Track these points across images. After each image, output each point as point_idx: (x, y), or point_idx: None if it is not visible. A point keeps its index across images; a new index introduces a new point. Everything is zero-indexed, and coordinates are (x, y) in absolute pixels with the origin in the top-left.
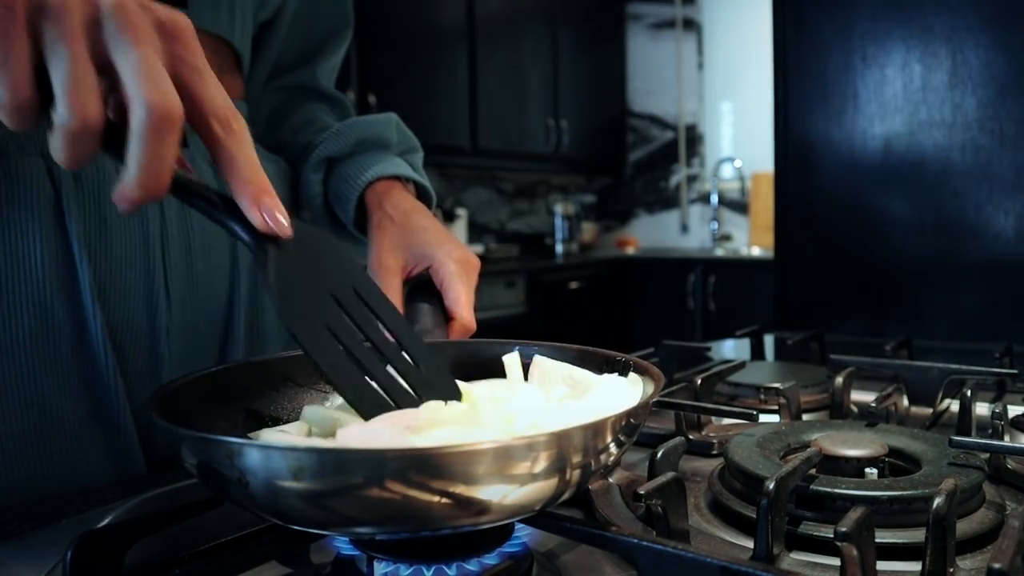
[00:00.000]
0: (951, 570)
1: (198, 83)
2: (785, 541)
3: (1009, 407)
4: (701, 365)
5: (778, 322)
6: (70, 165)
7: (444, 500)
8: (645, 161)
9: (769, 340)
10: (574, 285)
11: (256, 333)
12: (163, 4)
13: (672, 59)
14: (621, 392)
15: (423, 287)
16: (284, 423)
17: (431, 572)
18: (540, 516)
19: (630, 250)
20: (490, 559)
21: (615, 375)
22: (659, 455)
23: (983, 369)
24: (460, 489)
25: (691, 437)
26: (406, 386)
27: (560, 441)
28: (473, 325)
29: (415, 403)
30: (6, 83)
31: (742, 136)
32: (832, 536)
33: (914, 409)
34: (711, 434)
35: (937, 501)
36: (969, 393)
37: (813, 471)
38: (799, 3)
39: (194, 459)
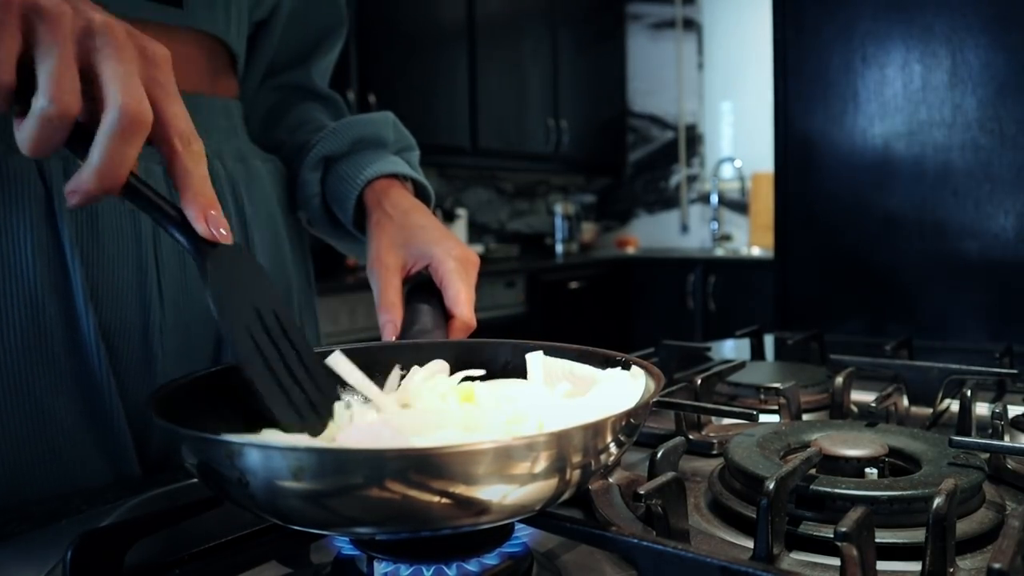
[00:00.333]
0: (951, 570)
1: (168, 104)
2: (785, 541)
3: (1009, 407)
4: (701, 365)
5: (778, 322)
6: (34, 151)
7: (444, 500)
8: (645, 161)
9: (769, 340)
10: (574, 285)
11: None
12: (154, 9)
13: (672, 59)
14: (625, 387)
15: (423, 287)
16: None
17: (431, 572)
18: (540, 516)
19: (630, 250)
20: (490, 559)
21: (618, 368)
22: (659, 455)
23: (983, 369)
24: (460, 489)
25: (691, 437)
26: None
27: (560, 441)
28: (473, 322)
29: (318, 418)
30: None
31: (742, 136)
32: (832, 536)
33: (914, 409)
34: (711, 434)
35: (937, 501)
36: (969, 393)
37: (813, 471)
38: (799, 3)
39: (194, 459)
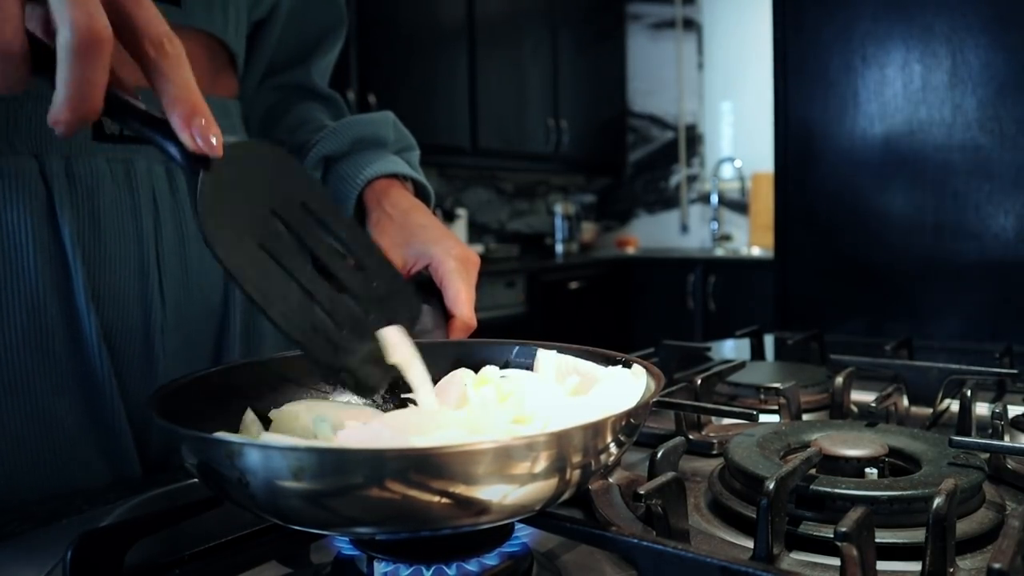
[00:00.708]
0: (951, 570)
1: (133, 8)
2: (785, 541)
3: (1009, 407)
4: (701, 365)
5: (778, 322)
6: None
7: (444, 500)
8: (645, 161)
9: (769, 340)
10: (574, 285)
11: (252, 331)
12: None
13: (672, 59)
14: (627, 385)
15: (423, 287)
16: None
17: (431, 572)
18: (540, 516)
19: (630, 250)
20: (490, 559)
21: (620, 367)
22: (659, 455)
23: (983, 369)
24: (460, 489)
25: (691, 437)
26: (354, 306)
27: (560, 441)
28: (473, 322)
29: (362, 324)
30: None
31: (742, 136)
32: (832, 536)
33: (914, 409)
34: (711, 434)
35: (937, 501)
36: (969, 393)
37: (813, 471)
38: (799, 3)
39: (194, 459)
